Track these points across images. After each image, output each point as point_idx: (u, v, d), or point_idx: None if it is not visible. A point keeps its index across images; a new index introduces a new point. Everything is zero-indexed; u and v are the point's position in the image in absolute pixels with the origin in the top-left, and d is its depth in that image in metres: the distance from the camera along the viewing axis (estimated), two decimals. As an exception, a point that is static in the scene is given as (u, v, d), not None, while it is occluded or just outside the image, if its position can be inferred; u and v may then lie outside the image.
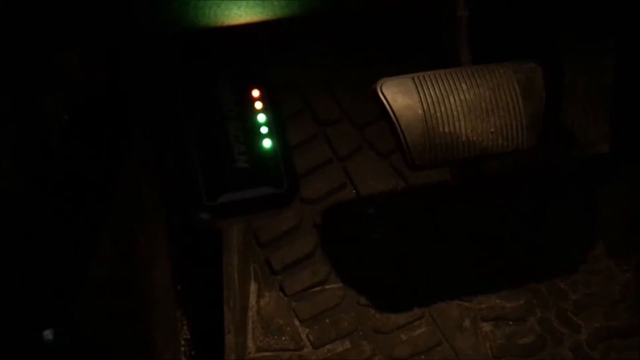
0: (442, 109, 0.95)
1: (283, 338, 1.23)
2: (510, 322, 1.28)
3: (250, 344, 1.21)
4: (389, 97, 0.94)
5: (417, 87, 0.95)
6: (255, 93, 0.74)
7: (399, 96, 0.94)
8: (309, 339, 1.24)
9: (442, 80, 0.96)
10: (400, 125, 0.94)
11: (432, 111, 0.95)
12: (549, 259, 1.33)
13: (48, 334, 0.67)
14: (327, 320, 1.25)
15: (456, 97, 0.95)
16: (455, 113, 0.95)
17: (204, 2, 0.71)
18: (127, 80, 0.89)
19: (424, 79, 0.96)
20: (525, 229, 1.34)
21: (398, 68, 0.99)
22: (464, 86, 0.96)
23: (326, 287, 1.28)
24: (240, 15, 0.73)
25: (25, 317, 0.64)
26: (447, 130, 0.95)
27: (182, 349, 1.16)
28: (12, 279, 0.66)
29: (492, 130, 0.97)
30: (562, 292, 1.31)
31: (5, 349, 0.62)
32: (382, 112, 0.95)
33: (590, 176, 1.34)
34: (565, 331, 1.29)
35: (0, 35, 0.72)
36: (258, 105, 0.74)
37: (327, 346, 1.24)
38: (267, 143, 0.73)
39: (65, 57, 0.87)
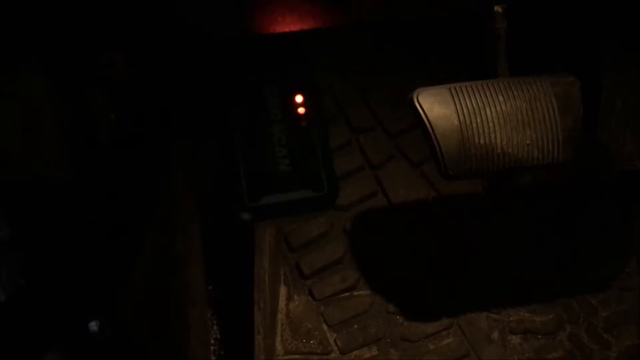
0: (478, 119, 0.95)
1: (311, 342, 1.24)
2: (539, 336, 1.27)
3: (278, 346, 1.22)
4: (425, 107, 0.95)
5: (453, 97, 0.96)
6: (299, 98, 0.76)
7: (435, 106, 0.95)
8: (336, 344, 1.25)
9: (478, 91, 0.97)
10: (435, 135, 0.95)
11: (468, 122, 0.95)
12: (580, 274, 1.31)
13: (94, 325, 0.70)
14: (355, 326, 1.26)
15: (492, 109, 0.96)
16: (491, 124, 0.96)
17: (252, 10, 0.73)
18: (172, 82, 0.91)
19: (461, 89, 0.97)
20: (557, 243, 1.33)
21: (433, 78, 1.00)
22: (501, 98, 0.97)
23: (355, 293, 1.28)
24: (287, 23, 0.75)
25: (73, 308, 0.66)
26: (482, 141, 0.95)
27: (212, 348, 1.18)
28: (60, 266, 0.68)
29: (527, 142, 0.97)
30: (593, 308, 1.30)
31: (54, 338, 0.65)
32: (417, 122, 0.96)
33: (624, 192, 1.33)
34: (595, 347, 1.27)
35: (52, 32, 0.75)
36: (301, 110, 0.75)
37: (355, 352, 1.24)
38: (309, 147, 0.75)
39: (110, 56, 0.90)
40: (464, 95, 0.96)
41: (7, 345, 0.62)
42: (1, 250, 0.75)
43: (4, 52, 0.72)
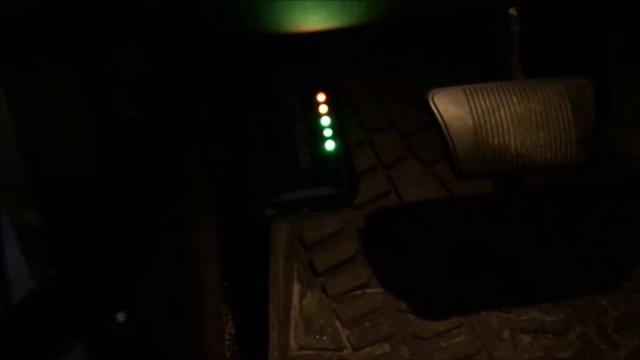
0: (492, 120, 0.97)
1: (324, 338, 1.26)
2: (550, 336, 1.29)
3: (292, 341, 1.24)
4: (440, 108, 0.97)
5: (468, 98, 0.97)
6: (321, 97, 0.77)
7: (450, 107, 0.97)
8: (349, 341, 1.26)
9: (493, 92, 0.98)
10: (450, 135, 0.96)
11: (482, 122, 0.97)
12: (590, 274, 1.33)
13: (120, 316, 0.71)
14: (367, 323, 1.28)
15: (506, 110, 0.97)
16: (505, 125, 0.97)
17: (278, 7, 0.74)
18: (192, 79, 0.93)
19: (475, 91, 0.98)
20: (566, 243, 1.34)
21: (446, 79, 1.01)
22: (515, 99, 0.98)
23: (367, 290, 1.30)
24: (306, 23, 0.76)
25: (100, 300, 0.68)
26: (496, 141, 0.97)
27: (227, 342, 1.19)
28: (90, 259, 0.70)
29: (541, 143, 0.98)
30: (603, 308, 1.31)
31: (82, 328, 0.66)
32: (432, 122, 0.97)
33: (634, 193, 1.34)
34: (604, 347, 1.29)
35: (78, 31, 0.77)
36: (323, 108, 0.77)
37: (367, 349, 1.26)
38: (330, 145, 0.76)
39: (127, 53, 0.91)
40: (478, 96, 0.97)
41: (37, 334, 0.64)
42: (33, 240, 0.77)
43: (35, 52, 0.74)
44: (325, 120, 0.77)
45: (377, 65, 1.37)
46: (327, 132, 0.77)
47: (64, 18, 0.74)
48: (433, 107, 0.97)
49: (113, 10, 0.76)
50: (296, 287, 1.29)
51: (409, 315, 1.28)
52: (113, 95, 0.91)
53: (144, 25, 0.78)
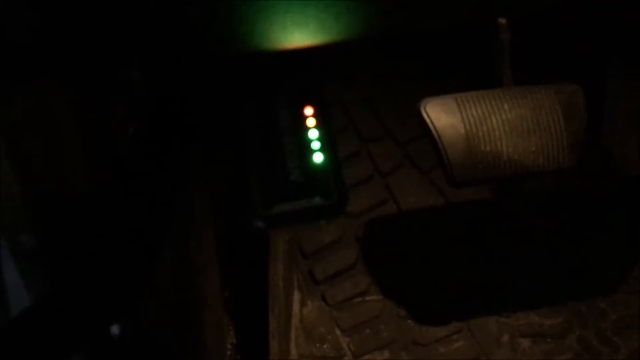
0: (484, 128, 0.98)
1: (324, 346, 1.27)
2: (549, 340, 1.29)
3: (293, 350, 1.25)
4: (432, 116, 0.98)
5: (459, 106, 0.99)
6: (309, 111, 0.79)
7: (442, 115, 0.98)
8: (349, 348, 1.27)
9: (484, 100, 0.99)
10: (442, 143, 0.98)
11: (474, 130, 0.98)
12: (588, 278, 1.33)
13: (115, 329, 0.73)
14: (367, 331, 1.29)
15: (498, 117, 0.98)
16: (497, 132, 0.98)
17: (264, 27, 0.76)
18: (188, 96, 0.95)
19: (467, 99, 0.99)
20: (564, 248, 1.35)
21: (440, 87, 1.03)
22: (506, 106, 0.99)
23: (366, 298, 1.31)
24: (297, 39, 0.78)
25: (96, 313, 0.70)
26: (488, 148, 0.98)
27: (228, 352, 1.21)
28: (84, 272, 0.72)
29: (533, 149, 0.99)
30: (601, 311, 1.32)
31: (78, 342, 0.68)
32: (425, 131, 0.99)
33: (630, 196, 1.34)
34: (604, 350, 1.29)
35: (74, 45, 0.78)
36: (311, 122, 0.79)
37: (367, 356, 1.27)
38: (318, 158, 0.78)
39: (127, 71, 0.94)
40: (469, 104, 0.99)
41: (33, 349, 0.65)
42: (29, 258, 0.79)
43: (28, 66, 0.76)
44: (313, 134, 0.79)
45: (372, 75, 1.39)
46: (315, 145, 0.79)
47: (63, 41, 0.77)
48: (425, 116, 0.98)
49: (113, 32, 0.78)
50: (296, 296, 1.30)
51: (409, 321, 1.29)
52: (112, 113, 0.93)
53: (144, 44, 0.80)
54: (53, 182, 0.83)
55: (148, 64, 0.89)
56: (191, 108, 0.92)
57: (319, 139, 0.79)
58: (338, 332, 1.28)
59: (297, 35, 0.78)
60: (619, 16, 1.12)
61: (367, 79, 1.37)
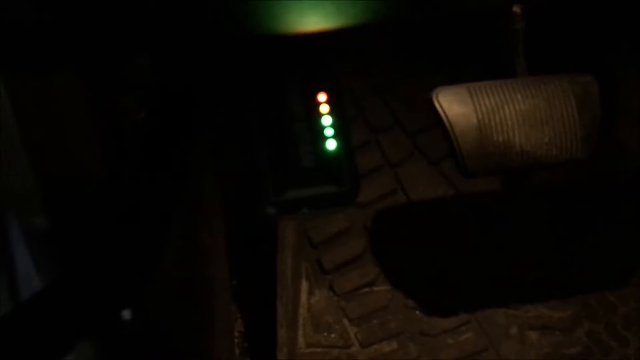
0: (497, 118, 0.97)
1: (332, 335, 1.27)
2: (557, 332, 1.29)
3: (300, 339, 1.25)
4: (444, 106, 0.97)
5: (472, 96, 0.98)
6: (322, 97, 0.78)
7: (454, 105, 0.97)
8: (357, 338, 1.27)
9: (497, 90, 0.99)
10: (454, 133, 0.97)
11: (486, 120, 0.97)
12: (598, 271, 1.33)
13: (126, 314, 0.73)
14: (375, 321, 1.28)
15: (511, 107, 0.97)
16: (509, 123, 0.97)
17: (278, 8, 0.75)
18: (199, 81, 0.94)
19: (479, 88, 0.98)
20: (575, 240, 1.34)
21: (451, 78, 1.02)
22: (519, 96, 0.98)
23: (374, 288, 1.31)
24: (311, 22, 0.77)
25: (106, 297, 0.70)
26: (500, 139, 0.97)
27: (236, 340, 1.21)
28: (94, 257, 0.72)
29: (546, 140, 0.98)
30: (611, 304, 1.31)
31: (87, 326, 0.68)
32: (437, 120, 0.98)
33: (641, 189, 1.34)
34: (613, 344, 1.28)
35: (83, 35, 0.78)
36: (324, 108, 0.78)
37: (375, 346, 1.27)
38: (331, 144, 0.77)
39: (138, 59, 0.93)
40: (482, 94, 0.98)
41: (43, 333, 0.65)
42: (41, 239, 0.79)
43: (43, 57, 0.75)
44: (327, 120, 0.78)
45: (382, 65, 1.38)
46: (329, 132, 0.78)
47: (74, 25, 0.76)
48: (437, 105, 0.97)
49: (122, 17, 0.77)
50: (304, 285, 1.30)
51: (417, 312, 1.29)
52: (122, 98, 0.93)
53: (153, 31, 0.80)
54: (64, 167, 0.83)
55: (159, 47, 0.88)
56: (202, 93, 0.91)
57: (332, 126, 0.78)
58: (346, 321, 1.28)
59: (313, 17, 0.76)
60: (633, 6, 1.11)
61: (378, 68, 1.37)
